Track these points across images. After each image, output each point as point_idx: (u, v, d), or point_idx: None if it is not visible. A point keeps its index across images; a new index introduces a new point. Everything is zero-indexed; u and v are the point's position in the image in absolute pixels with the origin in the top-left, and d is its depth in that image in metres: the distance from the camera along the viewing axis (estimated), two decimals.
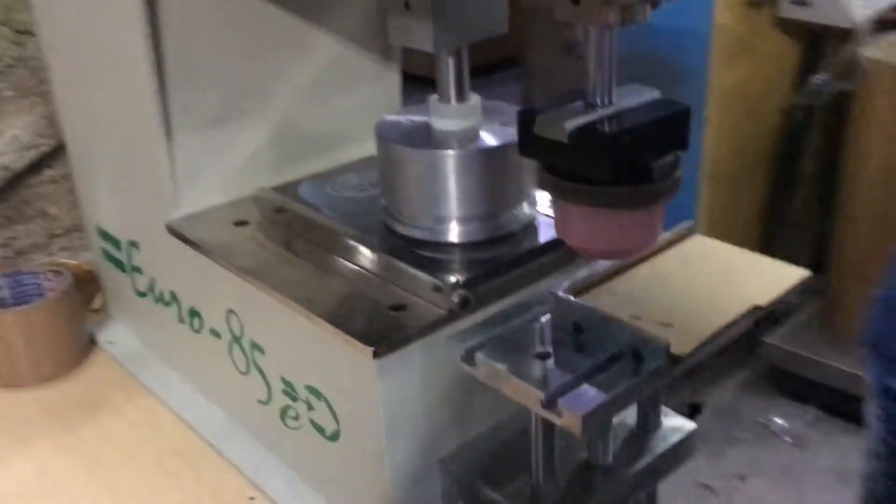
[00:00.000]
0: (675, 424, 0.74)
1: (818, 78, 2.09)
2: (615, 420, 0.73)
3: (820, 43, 2.11)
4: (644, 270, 0.69)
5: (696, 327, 0.61)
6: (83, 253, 1.11)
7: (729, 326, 0.61)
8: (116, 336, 1.03)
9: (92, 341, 1.02)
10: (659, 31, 2.11)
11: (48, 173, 1.25)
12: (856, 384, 1.48)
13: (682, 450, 0.72)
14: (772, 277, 0.67)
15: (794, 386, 2.17)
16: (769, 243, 2.32)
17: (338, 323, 0.65)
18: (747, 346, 2.40)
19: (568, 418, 0.56)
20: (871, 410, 1.04)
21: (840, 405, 2.05)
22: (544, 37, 2.28)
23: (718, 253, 0.71)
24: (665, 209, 0.60)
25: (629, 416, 0.74)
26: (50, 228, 1.27)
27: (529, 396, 0.58)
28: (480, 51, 0.72)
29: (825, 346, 2.08)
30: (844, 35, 1.94)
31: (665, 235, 0.73)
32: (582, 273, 0.66)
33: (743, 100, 2.10)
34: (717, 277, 0.68)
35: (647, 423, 0.73)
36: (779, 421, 2.12)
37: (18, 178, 1.22)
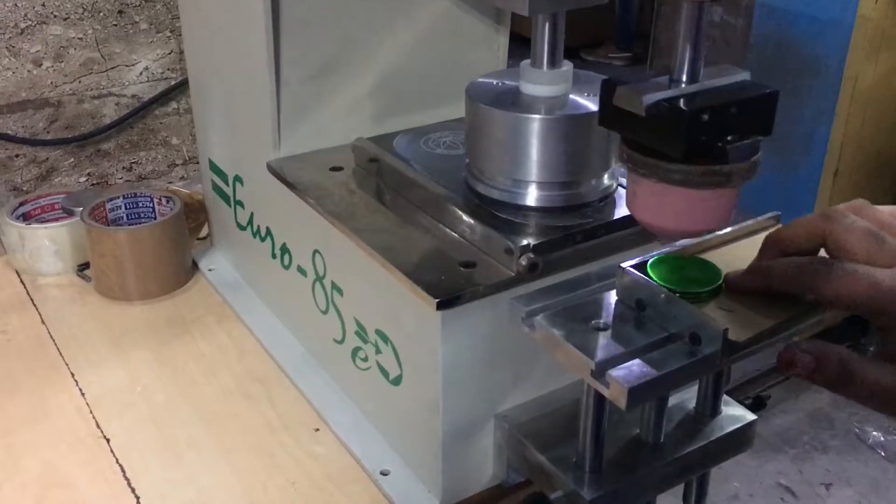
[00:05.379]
0: (736, 414, 0.73)
1: None
2: (675, 402, 0.74)
3: None
4: (720, 255, 0.68)
5: (759, 316, 0.60)
6: (198, 184, 1.18)
7: (792, 320, 0.60)
8: (217, 264, 1.09)
9: (195, 266, 1.09)
10: (798, 17, 2.03)
11: (174, 105, 1.32)
12: None
13: (737, 440, 0.72)
14: None
15: None
16: None
17: (409, 273, 0.68)
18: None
19: (615, 390, 0.57)
20: None
21: None
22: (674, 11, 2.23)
23: None
24: (738, 193, 0.60)
25: (691, 400, 0.74)
26: (171, 157, 1.35)
27: (580, 364, 0.59)
28: None
29: None
30: None
31: (748, 223, 0.72)
32: (656, 251, 0.66)
33: (880, 99, 2.00)
34: None
35: (706, 409, 0.73)
36: (875, 433, 2.05)
37: (146, 108, 1.30)
